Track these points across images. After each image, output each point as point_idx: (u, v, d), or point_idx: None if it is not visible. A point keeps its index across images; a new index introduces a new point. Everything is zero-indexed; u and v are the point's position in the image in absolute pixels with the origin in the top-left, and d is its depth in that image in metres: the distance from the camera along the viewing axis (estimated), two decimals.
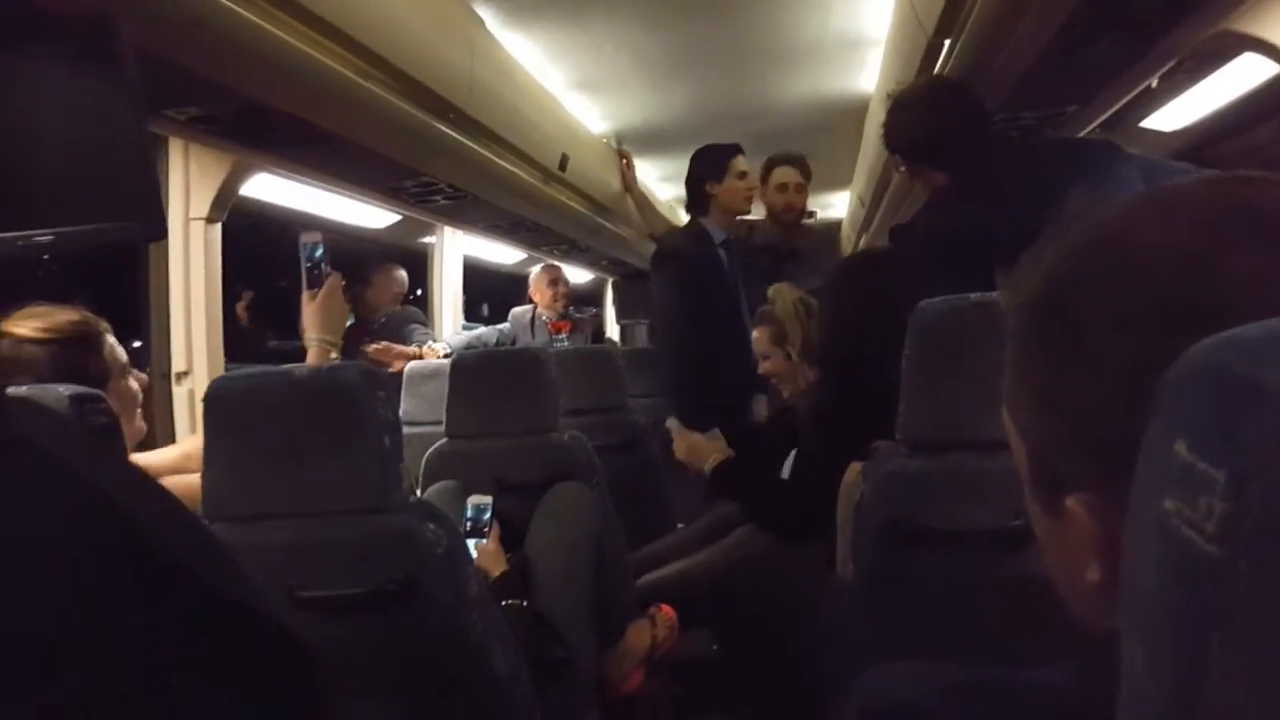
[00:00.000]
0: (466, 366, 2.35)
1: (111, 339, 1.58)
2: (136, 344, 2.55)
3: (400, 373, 3.49)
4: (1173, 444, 0.33)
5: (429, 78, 2.38)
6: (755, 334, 2.64)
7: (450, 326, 4.45)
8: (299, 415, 1.39)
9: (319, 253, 1.84)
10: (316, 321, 1.82)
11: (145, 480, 0.52)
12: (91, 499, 0.46)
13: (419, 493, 2.27)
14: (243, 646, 0.49)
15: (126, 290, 2.62)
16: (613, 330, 7.34)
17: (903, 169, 2.28)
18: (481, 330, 4.51)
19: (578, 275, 6.26)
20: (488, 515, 2.15)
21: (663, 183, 5.43)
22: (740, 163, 3.37)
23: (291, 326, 2.01)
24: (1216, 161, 3.10)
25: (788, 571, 2.19)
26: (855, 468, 1.60)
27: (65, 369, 1.42)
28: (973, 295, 1.40)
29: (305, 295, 1.84)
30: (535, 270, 4.74)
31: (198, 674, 0.46)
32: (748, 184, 3.40)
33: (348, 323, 1.88)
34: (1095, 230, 0.53)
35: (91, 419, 1.18)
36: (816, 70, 3.69)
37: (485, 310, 6.23)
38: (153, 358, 2.53)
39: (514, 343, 4.37)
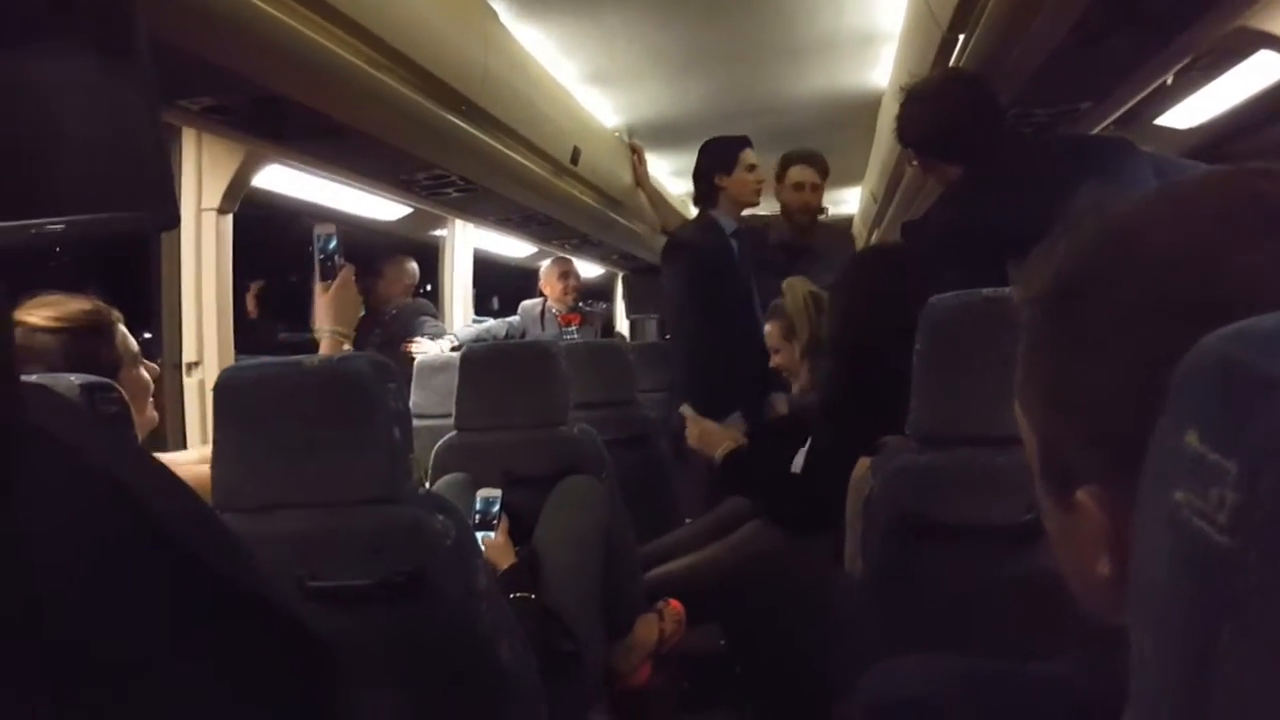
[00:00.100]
0: (476, 359, 2.35)
1: (123, 328, 1.59)
2: (147, 335, 2.56)
3: (411, 364, 3.50)
4: (1184, 435, 0.33)
5: (442, 70, 2.38)
6: (768, 328, 2.64)
7: (460, 319, 4.45)
8: (309, 406, 1.39)
9: (333, 245, 1.85)
10: (329, 313, 1.83)
11: (158, 469, 0.52)
12: (104, 488, 0.46)
13: (428, 485, 2.27)
14: (254, 636, 0.50)
15: (138, 281, 2.63)
16: (622, 325, 7.34)
17: (915, 163, 2.26)
18: (491, 323, 4.52)
19: (588, 270, 6.26)
20: (497, 508, 2.15)
21: (675, 177, 5.41)
22: (749, 155, 3.35)
23: (302, 319, 2.02)
24: (1232, 159, 3.08)
25: (796, 567, 2.18)
26: (864, 463, 1.60)
27: (77, 358, 1.43)
28: (984, 290, 1.39)
29: (318, 287, 1.84)
30: (546, 263, 4.75)
31: (210, 662, 0.47)
32: (756, 177, 3.38)
33: (359, 314, 1.89)
34: (1108, 225, 0.53)
35: (103, 408, 1.18)
36: (830, 65, 3.67)
37: (495, 304, 6.24)
38: (164, 348, 2.54)
39: (524, 335, 4.37)
